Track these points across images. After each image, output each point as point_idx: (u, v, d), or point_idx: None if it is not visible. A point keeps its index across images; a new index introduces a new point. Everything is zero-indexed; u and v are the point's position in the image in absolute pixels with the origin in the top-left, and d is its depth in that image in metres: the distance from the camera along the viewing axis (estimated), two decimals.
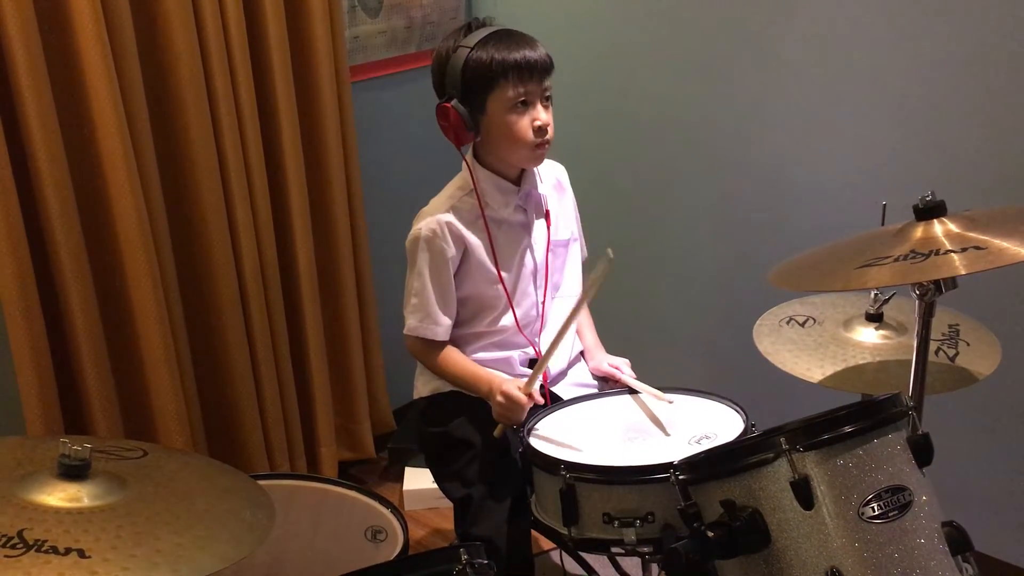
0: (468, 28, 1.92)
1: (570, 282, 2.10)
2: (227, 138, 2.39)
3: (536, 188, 2.01)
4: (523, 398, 1.86)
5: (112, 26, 2.13)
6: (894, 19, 2.18)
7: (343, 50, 2.62)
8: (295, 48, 2.52)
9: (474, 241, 1.96)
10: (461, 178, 2.00)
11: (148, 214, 2.25)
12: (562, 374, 2.08)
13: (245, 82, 2.41)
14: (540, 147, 1.93)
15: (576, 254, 2.12)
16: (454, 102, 1.87)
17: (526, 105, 1.89)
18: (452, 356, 2.00)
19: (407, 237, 1.98)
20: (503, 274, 1.98)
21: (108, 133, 2.14)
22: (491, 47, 1.87)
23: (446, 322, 1.98)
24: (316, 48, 2.53)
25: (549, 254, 2.04)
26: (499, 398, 1.87)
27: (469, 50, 1.86)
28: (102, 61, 2.10)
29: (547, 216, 2.03)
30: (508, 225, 1.99)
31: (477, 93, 1.88)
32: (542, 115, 1.91)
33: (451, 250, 1.94)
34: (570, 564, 2.07)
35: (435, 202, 1.99)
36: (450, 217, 1.94)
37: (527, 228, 2.02)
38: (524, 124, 1.90)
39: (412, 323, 1.98)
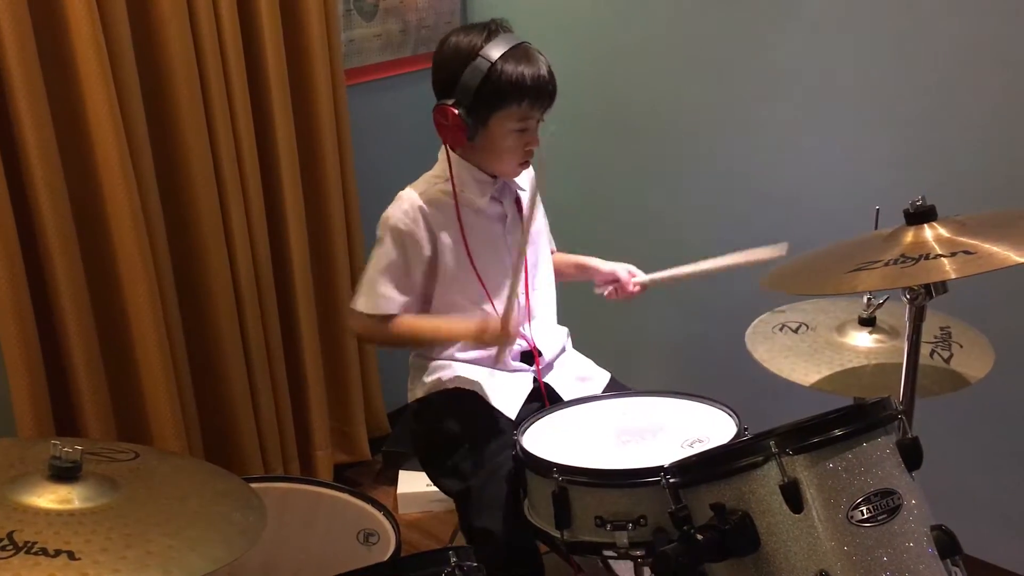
0: (487, 32, 1.88)
1: (543, 274, 2.12)
2: (223, 141, 2.39)
3: (511, 180, 2.03)
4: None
5: (108, 29, 2.14)
6: (888, 26, 2.18)
7: (339, 53, 2.62)
8: (290, 51, 2.53)
9: (448, 230, 1.96)
10: (438, 167, 2.00)
11: (144, 216, 2.25)
12: (549, 366, 2.09)
13: (240, 85, 2.42)
14: (523, 165, 1.97)
15: (546, 247, 2.14)
16: (460, 110, 1.86)
17: (524, 130, 1.91)
18: (408, 318, 1.97)
19: (380, 219, 1.97)
20: (478, 264, 1.98)
21: (103, 135, 2.14)
22: (511, 65, 1.85)
23: (402, 299, 1.95)
24: (312, 51, 2.54)
25: (528, 246, 2.03)
26: (488, 328, 1.87)
27: (490, 63, 1.84)
28: (98, 64, 2.10)
29: (520, 208, 2.05)
30: (484, 216, 2.00)
31: (485, 107, 1.86)
32: (535, 140, 1.93)
33: (422, 240, 1.94)
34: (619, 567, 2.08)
35: (411, 188, 1.99)
36: (423, 204, 1.94)
37: (503, 220, 2.03)
38: (517, 146, 1.92)
39: (363, 301, 1.94)
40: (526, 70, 1.85)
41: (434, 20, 2.91)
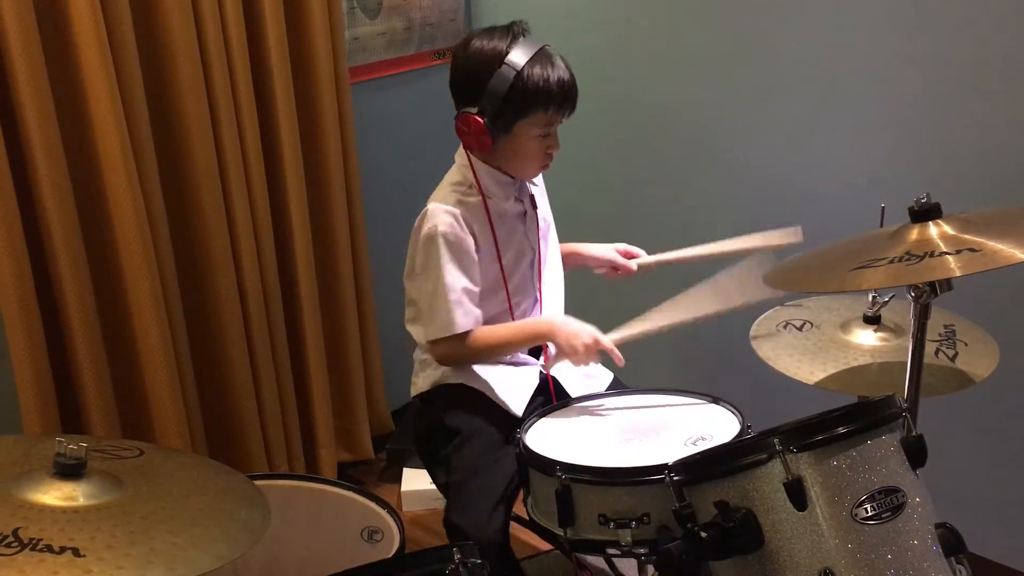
0: (511, 36, 1.87)
1: (553, 268, 2.12)
2: (226, 139, 2.39)
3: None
4: (612, 350, 1.87)
5: (111, 25, 2.14)
6: (892, 23, 2.18)
7: (342, 51, 2.62)
8: (294, 49, 2.53)
9: (480, 234, 1.96)
10: (459, 173, 1.99)
11: (147, 214, 2.25)
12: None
13: (244, 83, 2.42)
14: (543, 167, 1.99)
15: (555, 240, 2.15)
16: (485, 118, 1.85)
17: (547, 135, 1.92)
18: (485, 329, 1.96)
19: (421, 237, 1.93)
20: (504, 263, 1.99)
21: (106, 133, 2.14)
22: (537, 72, 1.84)
23: (474, 312, 1.95)
24: (315, 49, 2.54)
25: (542, 241, 2.07)
26: (586, 340, 1.86)
27: (516, 72, 1.83)
28: (101, 61, 2.10)
29: (534, 205, 2.06)
30: (508, 216, 2.01)
31: (511, 115, 1.86)
32: (557, 144, 1.94)
33: (471, 245, 1.93)
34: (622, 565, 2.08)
35: (438, 198, 1.97)
36: (458, 210, 1.93)
37: (522, 218, 2.04)
38: (540, 150, 1.93)
39: (459, 320, 1.91)
40: (552, 77, 1.85)
41: (438, 17, 2.91)
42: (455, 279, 1.91)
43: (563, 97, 1.88)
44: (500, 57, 1.84)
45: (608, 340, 1.88)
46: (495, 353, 2.00)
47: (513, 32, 1.88)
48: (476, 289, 1.95)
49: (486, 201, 1.96)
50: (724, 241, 2.03)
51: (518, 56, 1.84)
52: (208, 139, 2.36)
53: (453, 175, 2.01)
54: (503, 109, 1.85)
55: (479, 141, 1.88)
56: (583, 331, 1.89)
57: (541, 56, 1.86)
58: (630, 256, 2.15)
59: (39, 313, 2.14)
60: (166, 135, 2.33)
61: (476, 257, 1.94)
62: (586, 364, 1.91)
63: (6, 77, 2.05)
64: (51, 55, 2.09)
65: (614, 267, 2.15)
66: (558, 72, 1.87)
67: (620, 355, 1.88)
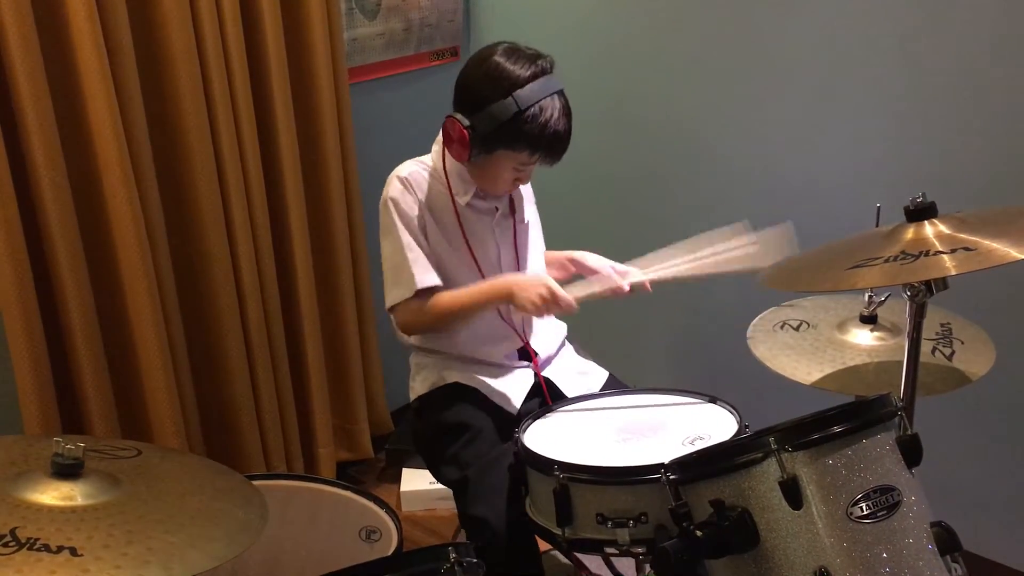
0: (532, 69, 1.84)
1: (535, 267, 2.12)
2: (225, 140, 2.40)
3: None
4: (570, 301, 1.86)
5: (108, 28, 2.14)
6: (890, 24, 2.18)
7: (341, 52, 2.63)
8: (293, 50, 2.53)
9: (436, 214, 1.97)
10: (430, 156, 2.02)
11: (145, 216, 2.25)
12: (548, 361, 2.10)
13: (243, 84, 2.42)
14: (506, 192, 2.01)
15: (538, 239, 2.15)
16: (472, 133, 1.85)
17: (522, 168, 1.93)
18: (447, 292, 1.96)
19: (380, 205, 1.99)
20: (473, 248, 1.99)
21: (104, 135, 2.15)
22: (540, 115, 1.82)
23: (432, 272, 1.96)
24: (314, 50, 2.54)
25: (519, 237, 2.07)
26: (541, 291, 1.85)
27: (518, 109, 1.82)
28: (98, 64, 2.10)
29: (512, 204, 2.06)
30: (472, 208, 2.00)
31: (497, 142, 1.87)
32: (528, 179, 1.98)
33: (413, 209, 1.95)
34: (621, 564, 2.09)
35: (397, 169, 2.00)
36: (413, 183, 1.97)
37: (491, 213, 2.03)
38: (509, 178, 1.95)
39: (420, 276, 1.93)
40: (550, 127, 1.84)
41: (436, 19, 2.91)
42: (410, 240, 1.94)
43: (552, 148, 1.88)
44: (512, 86, 1.83)
45: (561, 291, 1.87)
46: (457, 316, 1.97)
47: (537, 66, 1.86)
48: (425, 250, 1.96)
49: (451, 189, 1.97)
50: (711, 248, 1.98)
51: (529, 93, 1.83)
52: (206, 140, 2.36)
53: (424, 156, 2.03)
54: (493, 134, 1.85)
55: (457, 149, 1.89)
56: (537, 283, 1.88)
57: (550, 102, 1.85)
58: (623, 276, 2.12)
59: (39, 316, 2.15)
60: (164, 136, 2.33)
61: (417, 226, 1.95)
62: (547, 315, 1.91)
63: (6, 79, 2.05)
64: (50, 57, 2.09)
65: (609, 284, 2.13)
66: (558, 124, 1.86)
67: (573, 304, 1.87)
